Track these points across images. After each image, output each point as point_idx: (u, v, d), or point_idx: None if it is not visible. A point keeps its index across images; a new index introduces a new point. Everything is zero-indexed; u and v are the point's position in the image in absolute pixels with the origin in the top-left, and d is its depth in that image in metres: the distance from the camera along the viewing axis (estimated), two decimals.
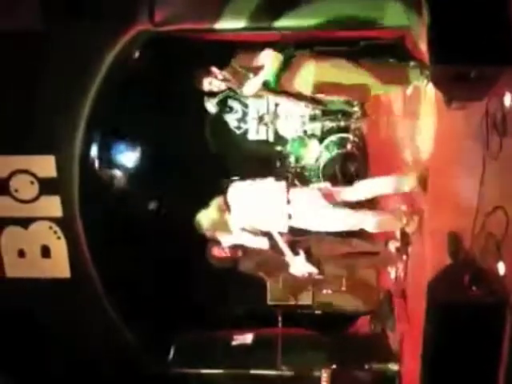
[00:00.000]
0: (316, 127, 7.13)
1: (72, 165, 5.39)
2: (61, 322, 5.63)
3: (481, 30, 3.05)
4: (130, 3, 5.00)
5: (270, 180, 5.17)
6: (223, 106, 7.01)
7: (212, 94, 6.10)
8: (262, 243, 5.12)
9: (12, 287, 5.65)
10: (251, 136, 7.32)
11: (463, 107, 3.75)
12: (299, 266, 5.29)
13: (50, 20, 4.95)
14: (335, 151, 7.06)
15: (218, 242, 5.18)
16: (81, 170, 5.42)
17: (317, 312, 6.69)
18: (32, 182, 5.44)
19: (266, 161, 7.39)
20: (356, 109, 6.86)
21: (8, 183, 5.44)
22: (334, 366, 5.59)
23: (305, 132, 7.19)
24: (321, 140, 7.16)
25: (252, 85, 5.17)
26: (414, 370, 4.22)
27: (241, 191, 5.13)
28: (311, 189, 5.39)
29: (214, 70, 5.27)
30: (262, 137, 7.30)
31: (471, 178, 3.69)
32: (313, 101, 5.80)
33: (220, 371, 5.90)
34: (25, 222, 5.56)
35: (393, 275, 5.63)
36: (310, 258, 5.32)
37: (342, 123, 7.04)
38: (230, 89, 5.98)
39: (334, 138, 7.09)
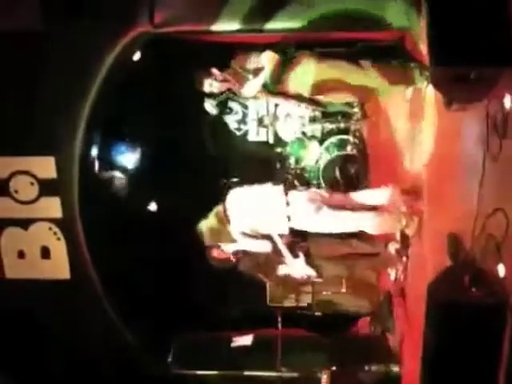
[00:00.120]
0: (316, 129, 7.12)
1: (72, 166, 5.39)
2: (61, 323, 5.62)
3: (481, 31, 3.06)
4: (130, 4, 5.00)
5: (268, 185, 5.19)
6: (223, 107, 7.01)
7: (212, 96, 6.11)
8: (264, 246, 5.13)
9: (12, 288, 5.65)
10: (251, 137, 7.31)
11: (463, 109, 3.76)
12: (299, 268, 5.30)
13: (50, 20, 4.95)
14: (335, 153, 7.04)
15: (218, 245, 5.21)
16: (81, 171, 5.42)
17: (316, 313, 6.68)
18: (32, 183, 5.44)
19: (266, 162, 7.38)
20: (356, 110, 6.86)
21: (8, 184, 5.44)
22: (334, 368, 5.59)
23: (304, 133, 7.18)
24: (321, 141, 7.14)
25: (252, 86, 5.18)
26: (414, 371, 4.22)
27: (239, 197, 5.14)
28: (311, 191, 5.39)
29: (214, 71, 5.28)
30: (262, 138, 7.28)
31: (471, 180, 3.69)
32: (313, 102, 5.81)
33: (219, 372, 5.89)
34: (25, 223, 5.55)
35: (392, 276, 5.62)
36: (309, 260, 5.33)
37: (342, 125, 7.03)
38: (229, 90, 6.00)
39: (333, 139, 7.08)
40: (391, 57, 5.10)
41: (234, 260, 5.28)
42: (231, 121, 7.26)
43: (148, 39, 5.21)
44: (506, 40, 2.99)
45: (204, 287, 6.69)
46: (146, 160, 6.82)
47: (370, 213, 5.05)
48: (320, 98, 5.43)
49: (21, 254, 5.63)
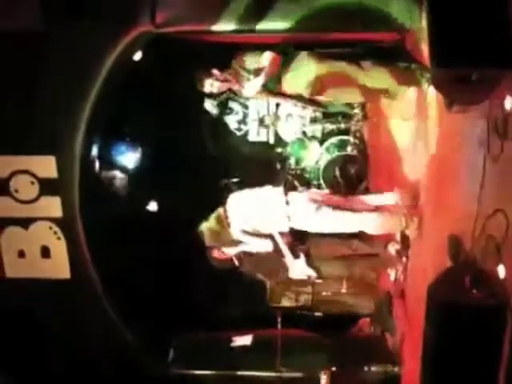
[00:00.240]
0: (316, 129, 7.12)
1: (72, 165, 5.39)
2: (61, 323, 5.62)
3: (482, 32, 3.06)
4: (130, 4, 5.00)
5: (268, 187, 5.20)
6: (224, 107, 7.01)
7: (213, 96, 6.11)
8: (265, 245, 5.13)
9: (12, 287, 5.65)
10: (251, 137, 7.31)
11: (464, 110, 3.76)
12: (299, 269, 5.31)
13: (50, 20, 4.95)
14: (335, 153, 7.04)
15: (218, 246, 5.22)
16: (81, 171, 5.42)
17: (316, 314, 6.68)
18: (32, 183, 5.44)
19: (266, 162, 7.38)
20: (357, 111, 6.86)
21: (8, 183, 5.44)
22: (334, 368, 5.59)
23: (305, 134, 7.18)
24: (321, 142, 7.15)
25: (253, 86, 5.19)
26: (413, 371, 4.23)
27: (240, 199, 5.16)
28: (311, 191, 5.40)
29: (215, 71, 5.28)
30: (263, 138, 7.29)
31: (472, 181, 3.70)
32: (313, 102, 5.81)
33: (219, 372, 5.89)
34: (25, 223, 5.55)
35: (392, 277, 5.62)
36: (309, 261, 5.33)
37: (343, 125, 7.04)
38: (230, 90, 6.01)
39: (334, 140, 7.08)
40: (392, 58, 5.09)
41: (235, 261, 5.29)
42: (232, 121, 7.25)
43: (149, 39, 5.21)
44: (507, 41, 3.00)
45: (204, 287, 6.69)
46: (147, 160, 6.82)
47: (370, 213, 5.05)
48: (321, 98, 5.42)
49: (21, 254, 5.63)
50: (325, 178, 7.05)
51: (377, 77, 4.99)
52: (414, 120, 5.29)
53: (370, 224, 5.03)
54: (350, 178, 6.96)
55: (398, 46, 5.19)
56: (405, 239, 5.22)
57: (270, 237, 5.12)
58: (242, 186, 5.59)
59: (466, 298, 3.28)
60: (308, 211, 5.02)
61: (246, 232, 5.07)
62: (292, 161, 7.29)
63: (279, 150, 7.34)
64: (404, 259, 5.35)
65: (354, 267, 5.70)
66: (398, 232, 5.23)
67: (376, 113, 6.63)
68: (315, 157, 7.15)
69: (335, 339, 6.23)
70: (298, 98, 5.51)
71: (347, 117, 7.02)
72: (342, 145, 7.06)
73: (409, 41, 5.06)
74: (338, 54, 5.24)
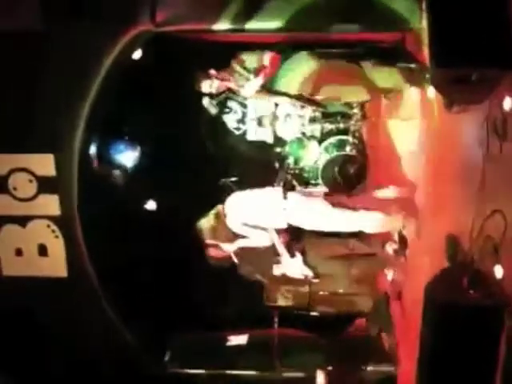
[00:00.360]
0: (315, 129, 7.10)
1: (71, 164, 5.38)
2: (58, 321, 5.62)
3: (481, 33, 3.06)
4: (130, 3, 5.00)
5: (267, 187, 5.21)
6: (222, 106, 7.00)
7: (212, 95, 6.11)
8: (263, 240, 5.13)
9: (9, 286, 5.64)
10: (250, 137, 7.29)
11: (464, 110, 3.77)
12: (296, 268, 5.31)
13: (50, 20, 4.95)
14: (334, 153, 7.03)
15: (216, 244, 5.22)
16: (80, 169, 5.42)
17: (313, 313, 6.68)
18: (31, 181, 5.43)
19: (265, 162, 7.37)
20: (356, 111, 6.85)
21: (7, 181, 5.43)
22: (331, 368, 5.59)
23: (304, 133, 7.17)
24: (320, 142, 7.13)
25: (252, 86, 5.20)
26: (410, 371, 4.22)
27: (239, 199, 5.17)
28: (309, 191, 5.41)
29: (213, 72, 5.29)
30: (261, 138, 7.27)
31: (470, 181, 3.70)
32: (312, 102, 5.81)
33: (215, 372, 5.89)
34: (22, 221, 5.55)
35: (390, 277, 5.63)
36: (306, 260, 5.34)
37: (342, 125, 7.02)
38: (229, 89, 6.00)
39: (333, 139, 7.07)
40: (393, 58, 5.10)
41: (234, 258, 5.29)
42: (230, 120, 7.23)
43: (149, 38, 5.21)
44: (506, 42, 3.00)
45: (202, 287, 6.68)
46: (145, 158, 6.81)
47: (369, 212, 5.06)
48: (321, 97, 5.42)
49: (18, 252, 5.63)
50: (324, 177, 7.04)
51: (384, 76, 4.98)
52: (413, 120, 5.29)
53: (368, 223, 5.04)
54: (348, 178, 6.94)
55: (398, 46, 5.20)
56: (402, 239, 5.23)
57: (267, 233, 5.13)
58: (240, 185, 5.59)
59: (463, 299, 3.29)
60: (306, 211, 5.03)
61: (244, 224, 5.07)
62: (291, 160, 7.27)
63: (278, 149, 7.32)
64: (402, 259, 5.35)
65: (352, 267, 5.70)
66: (395, 232, 5.24)
67: (375, 113, 6.63)
68: (314, 156, 7.13)
69: (332, 339, 6.23)
70: (297, 97, 5.51)
71: (346, 117, 7.00)
72: (340, 144, 7.04)
73: (409, 41, 5.07)
74: (338, 53, 5.25)
